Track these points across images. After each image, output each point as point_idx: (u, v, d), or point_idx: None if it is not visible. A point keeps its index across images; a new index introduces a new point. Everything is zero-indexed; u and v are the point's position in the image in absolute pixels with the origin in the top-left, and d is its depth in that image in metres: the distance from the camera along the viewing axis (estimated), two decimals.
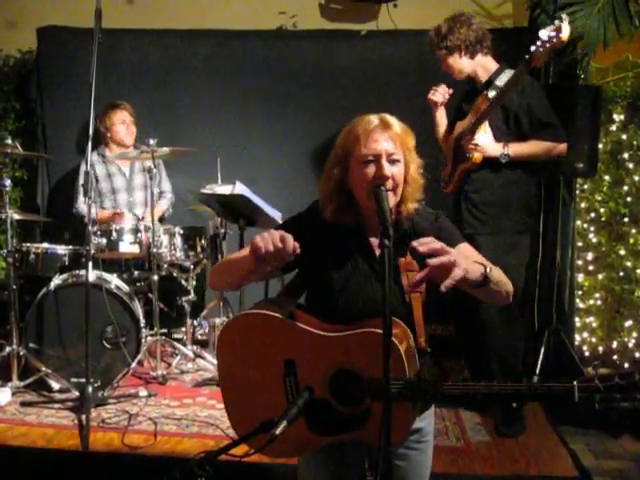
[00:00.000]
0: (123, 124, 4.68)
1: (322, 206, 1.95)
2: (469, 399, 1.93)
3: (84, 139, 3.48)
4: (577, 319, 4.73)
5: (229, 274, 2.00)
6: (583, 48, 4.24)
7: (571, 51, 4.34)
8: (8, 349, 3.86)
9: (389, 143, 1.85)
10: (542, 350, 4.31)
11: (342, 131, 1.94)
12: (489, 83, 3.56)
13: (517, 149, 3.44)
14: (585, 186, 4.73)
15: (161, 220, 4.85)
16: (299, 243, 1.79)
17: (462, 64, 3.59)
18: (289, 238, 1.71)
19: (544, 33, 3.06)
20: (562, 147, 3.51)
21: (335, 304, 1.91)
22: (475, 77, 3.64)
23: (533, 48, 3.11)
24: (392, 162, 1.85)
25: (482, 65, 3.60)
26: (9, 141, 3.93)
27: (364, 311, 1.86)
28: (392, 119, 1.89)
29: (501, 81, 3.49)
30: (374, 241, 1.95)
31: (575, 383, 1.67)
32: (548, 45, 3.06)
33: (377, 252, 1.93)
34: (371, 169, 1.83)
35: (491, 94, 3.49)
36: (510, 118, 3.48)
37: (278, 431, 1.70)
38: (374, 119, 1.87)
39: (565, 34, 3.01)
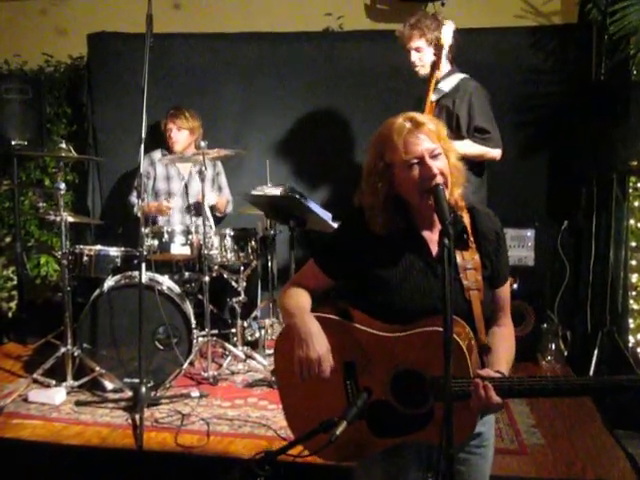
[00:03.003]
0: (178, 131, 4.68)
1: (369, 220, 1.92)
2: (535, 394, 1.89)
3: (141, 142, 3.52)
4: (631, 320, 4.63)
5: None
6: (636, 44, 4.15)
7: (623, 47, 4.26)
8: (62, 350, 3.92)
9: (427, 141, 1.83)
10: (595, 352, 4.25)
11: (372, 143, 1.93)
12: (436, 83, 3.84)
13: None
14: (639, 184, 4.63)
15: (222, 218, 4.91)
16: (348, 257, 1.93)
17: (429, 58, 3.87)
18: (326, 363, 1.90)
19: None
20: (495, 153, 3.75)
21: (392, 303, 1.89)
22: (432, 75, 3.85)
23: None
24: (435, 157, 1.83)
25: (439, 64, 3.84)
26: (63, 145, 4.01)
27: (422, 308, 1.85)
28: (420, 116, 1.87)
29: (446, 85, 3.82)
30: (427, 235, 1.93)
31: None
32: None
33: (432, 247, 1.92)
34: (418, 171, 1.82)
35: (433, 97, 3.82)
36: (453, 119, 3.74)
37: (338, 431, 1.69)
38: (405, 122, 1.85)
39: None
